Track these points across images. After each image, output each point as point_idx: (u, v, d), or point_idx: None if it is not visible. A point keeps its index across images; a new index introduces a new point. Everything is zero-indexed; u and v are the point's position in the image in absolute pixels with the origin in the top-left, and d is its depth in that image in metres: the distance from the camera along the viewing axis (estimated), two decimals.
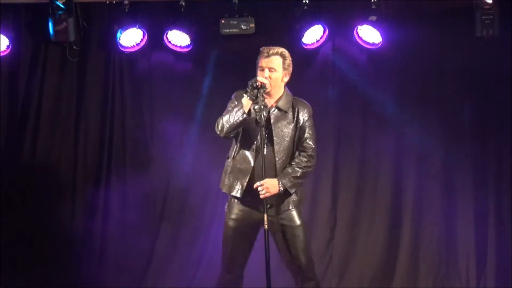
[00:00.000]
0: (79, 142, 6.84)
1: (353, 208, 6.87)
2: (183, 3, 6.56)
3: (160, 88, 6.88)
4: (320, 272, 6.50)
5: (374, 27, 6.57)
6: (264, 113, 4.74)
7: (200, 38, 6.70)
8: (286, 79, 4.95)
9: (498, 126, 6.79)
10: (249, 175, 4.84)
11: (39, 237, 6.73)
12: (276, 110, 4.91)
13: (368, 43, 6.67)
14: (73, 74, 6.83)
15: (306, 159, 4.91)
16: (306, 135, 4.94)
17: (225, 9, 6.59)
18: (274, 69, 4.86)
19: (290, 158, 4.92)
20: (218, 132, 4.83)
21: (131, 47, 6.66)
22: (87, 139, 6.86)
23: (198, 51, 6.76)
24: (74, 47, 6.74)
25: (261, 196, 4.74)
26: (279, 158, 4.87)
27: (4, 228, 6.67)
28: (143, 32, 6.64)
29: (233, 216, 4.93)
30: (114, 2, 6.65)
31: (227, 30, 6.57)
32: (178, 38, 6.66)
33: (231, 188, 4.90)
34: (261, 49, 4.92)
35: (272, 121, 4.87)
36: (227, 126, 4.76)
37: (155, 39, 6.71)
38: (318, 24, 6.62)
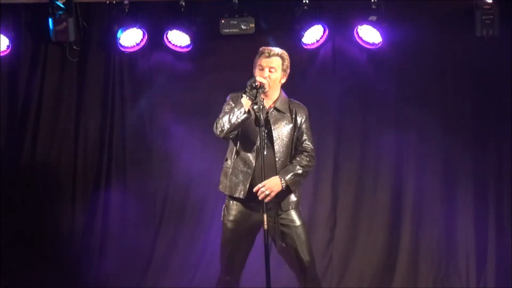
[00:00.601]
0: (79, 142, 6.84)
1: (353, 208, 6.88)
2: (183, 3, 6.55)
3: (160, 88, 6.88)
4: (320, 272, 6.49)
5: (374, 27, 6.57)
6: (263, 114, 4.74)
7: (200, 38, 6.70)
8: (284, 80, 4.97)
9: (498, 126, 6.79)
10: (251, 176, 4.84)
11: (39, 237, 6.73)
12: (275, 111, 4.92)
13: (368, 43, 6.67)
14: (73, 74, 6.83)
15: (307, 159, 4.93)
16: (305, 136, 4.97)
17: (225, 9, 6.58)
18: (274, 69, 4.87)
19: (289, 159, 4.93)
20: (218, 133, 4.82)
21: (131, 47, 6.66)
22: (87, 139, 6.86)
23: (198, 51, 6.76)
24: (74, 47, 6.73)
25: (266, 199, 4.75)
26: (279, 158, 4.87)
27: (4, 228, 6.67)
28: (143, 32, 6.63)
29: (231, 218, 4.93)
30: (114, 2, 6.64)
31: (227, 30, 6.57)
32: (178, 38, 6.66)
33: (233, 189, 4.90)
34: (261, 49, 4.93)
35: (271, 121, 4.88)
36: (228, 126, 4.75)
37: (155, 39, 6.70)
38: (318, 24, 6.62)
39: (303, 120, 4.97)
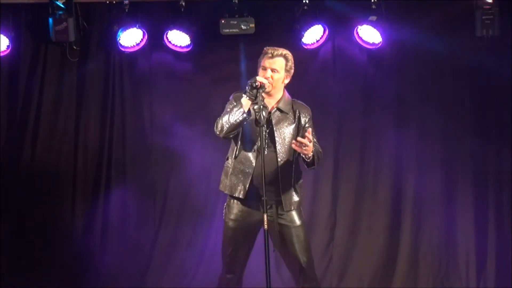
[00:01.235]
0: (79, 142, 6.84)
1: (353, 208, 6.88)
2: (183, 3, 6.55)
3: (160, 88, 6.88)
4: (320, 272, 6.51)
5: (374, 27, 6.57)
6: (264, 114, 4.74)
7: (200, 38, 6.70)
8: (287, 81, 4.95)
9: (498, 126, 6.79)
10: (251, 176, 4.84)
11: (39, 237, 6.73)
12: (277, 111, 4.91)
13: (368, 43, 6.67)
14: (73, 74, 6.83)
15: (320, 150, 4.90)
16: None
17: (225, 9, 6.58)
18: (276, 70, 4.86)
19: (292, 159, 4.90)
20: (218, 133, 4.81)
21: (131, 47, 6.66)
22: (87, 139, 6.86)
23: (198, 51, 6.76)
24: (74, 47, 6.73)
25: (304, 150, 4.65)
26: (281, 159, 4.86)
27: (4, 228, 6.67)
28: (143, 32, 6.63)
29: (232, 217, 4.93)
30: (114, 2, 6.64)
31: (227, 30, 6.57)
32: (178, 38, 6.66)
33: (233, 189, 4.89)
34: (265, 49, 4.91)
35: (273, 122, 4.87)
36: (227, 126, 4.75)
37: (155, 39, 6.70)
38: (318, 24, 6.62)
39: (307, 120, 4.96)
